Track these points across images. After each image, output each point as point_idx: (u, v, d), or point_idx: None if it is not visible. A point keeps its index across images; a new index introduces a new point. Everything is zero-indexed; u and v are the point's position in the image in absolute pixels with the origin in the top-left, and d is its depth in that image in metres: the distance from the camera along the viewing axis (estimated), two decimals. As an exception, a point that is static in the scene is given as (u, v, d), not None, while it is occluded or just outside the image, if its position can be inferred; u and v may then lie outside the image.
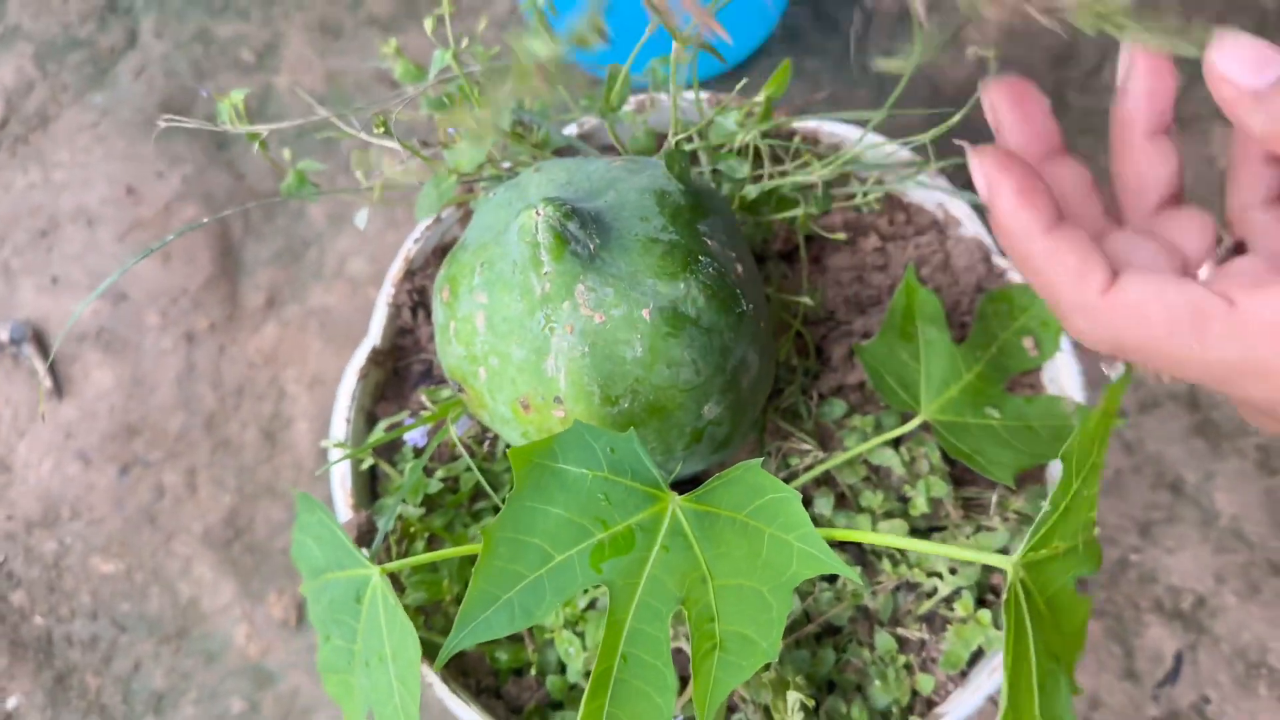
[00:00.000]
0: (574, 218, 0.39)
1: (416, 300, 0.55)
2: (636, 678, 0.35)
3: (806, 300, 0.52)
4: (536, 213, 0.38)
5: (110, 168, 0.85)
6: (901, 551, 0.50)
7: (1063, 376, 0.52)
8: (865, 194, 0.52)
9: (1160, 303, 0.30)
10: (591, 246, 0.39)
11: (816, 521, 0.47)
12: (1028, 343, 0.52)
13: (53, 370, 0.81)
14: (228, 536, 0.76)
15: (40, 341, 0.81)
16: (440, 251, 0.56)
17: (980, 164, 0.32)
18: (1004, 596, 0.32)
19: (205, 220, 0.77)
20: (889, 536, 0.36)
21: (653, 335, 0.40)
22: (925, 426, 0.50)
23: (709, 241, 0.42)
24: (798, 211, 0.51)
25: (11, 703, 0.73)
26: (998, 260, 0.56)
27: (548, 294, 0.40)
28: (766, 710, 0.45)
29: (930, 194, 0.56)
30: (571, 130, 0.56)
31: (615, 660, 0.35)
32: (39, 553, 0.77)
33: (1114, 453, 0.79)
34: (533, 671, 0.49)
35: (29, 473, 0.79)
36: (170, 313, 0.81)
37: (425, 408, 0.54)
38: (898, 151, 0.53)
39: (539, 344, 0.40)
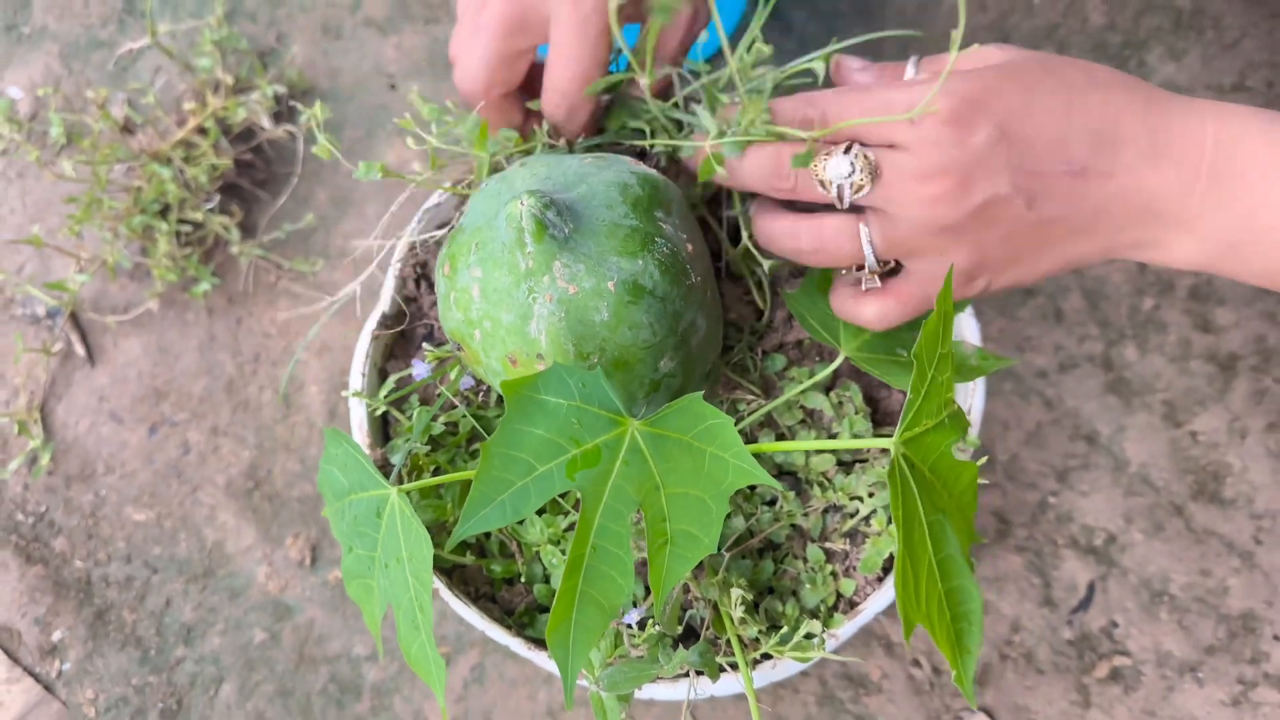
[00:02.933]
0: (552, 207, 0.48)
1: (419, 273, 0.65)
2: (603, 563, 0.45)
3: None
4: (521, 203, 0.47)
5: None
6: (829, 479, 0.60)
7: (964, 329, 0.62)
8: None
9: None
10: (566, 230, 0.49)
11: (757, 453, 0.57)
12: None
13: (85, 341, 0.90)
14: (248, 487, 0.86)
15: (74, 315, 0.90)
16: (438, 229, 0.65)
17: None
18: (888, 468, 0.42)
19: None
20: (803, 443, 0.46)
21: (617, 303, 0.49)
22: (846, 362, 0.60)
23: (664, 225, 0.51)
24: None
25: (57, 635, 0.82)
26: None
27: (530, 269, 0.49)
28: (715, 607, 0.55)
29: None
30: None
31: (586, 549, 0.44)
32: (78, 503, 0.86)
33: (1035, 408, 0.89)
34: (522, 580, 0.58)
35: (67, 433, 0.88)
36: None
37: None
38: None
39: (524, 310, 0.50)
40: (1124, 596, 0.84)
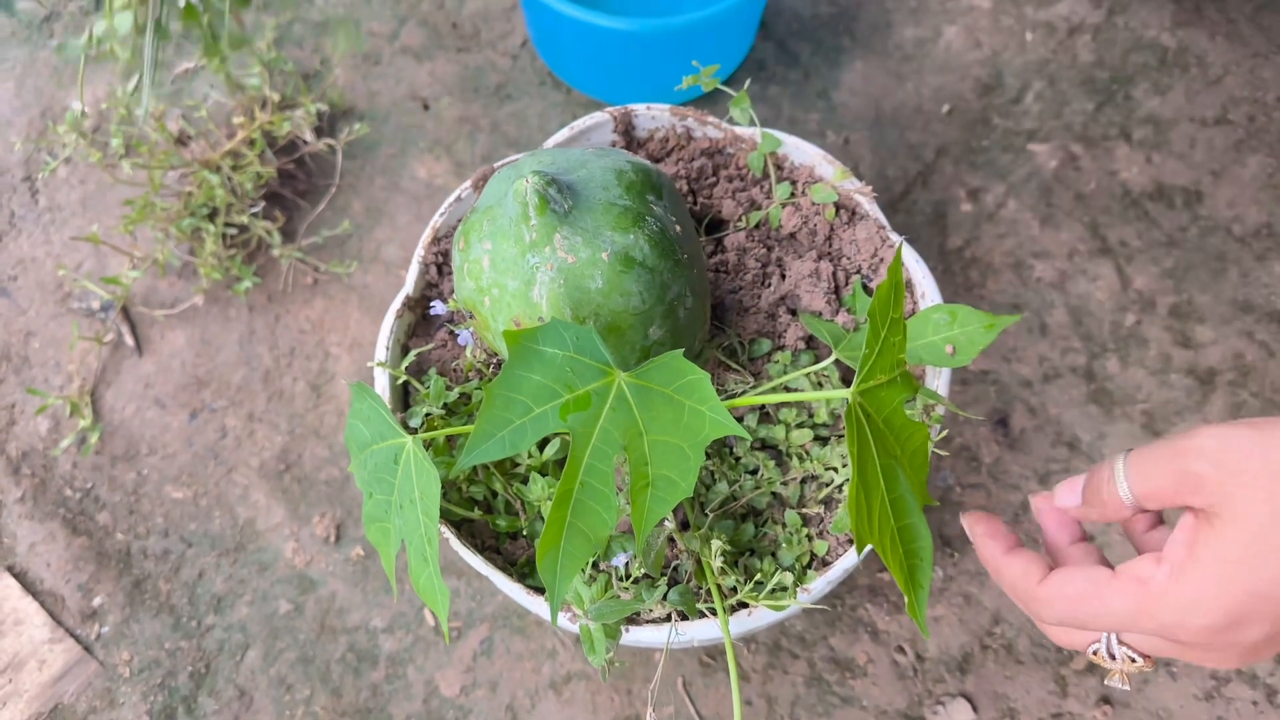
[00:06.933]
0: (554, 185, 0.54)
1: (440, 261, 0.71)
2: (590, 498, 0.50)
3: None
4: (526, 181, 0.54)
5: (185, 167, 1.01)
6: (807, 451, 0.65)
7: (942, 384, 0.68)
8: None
9: (1069, 582, 0.47)
10: (566, 206, 0.55)
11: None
12: (948, 348, 0.65)
13: (134, 333, 0.97)
14: (280, 469, 0.92)
15: (125, 309, 0.98)
16: (459, 223, 0.72)
17: (968, 523, 0.52)
18: (845, 408, 0.47)
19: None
20: (770, 396, 0.52)
21: (610, 272, 0.55)
22: (835, 362, 0.65)
23: (654, 207, 0.58)
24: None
25: (97, 601, 0.89)
26: (890, 235, 0.71)
27: (534, 241, 0.55)
28: (698, 561, 0.61)
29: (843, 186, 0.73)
30: (564, 134, 0.72)
31: (575, 485, 0.50)
32: (121, 481, 0.93)
33: (1020, 415, 0.94)
34: (524, 535, 0.64)
35: (114, 416, 0.95)
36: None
37: (446, 344, 0.69)
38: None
39: (528, 278, 0.56)
40: (1102, 594, 0.88)
